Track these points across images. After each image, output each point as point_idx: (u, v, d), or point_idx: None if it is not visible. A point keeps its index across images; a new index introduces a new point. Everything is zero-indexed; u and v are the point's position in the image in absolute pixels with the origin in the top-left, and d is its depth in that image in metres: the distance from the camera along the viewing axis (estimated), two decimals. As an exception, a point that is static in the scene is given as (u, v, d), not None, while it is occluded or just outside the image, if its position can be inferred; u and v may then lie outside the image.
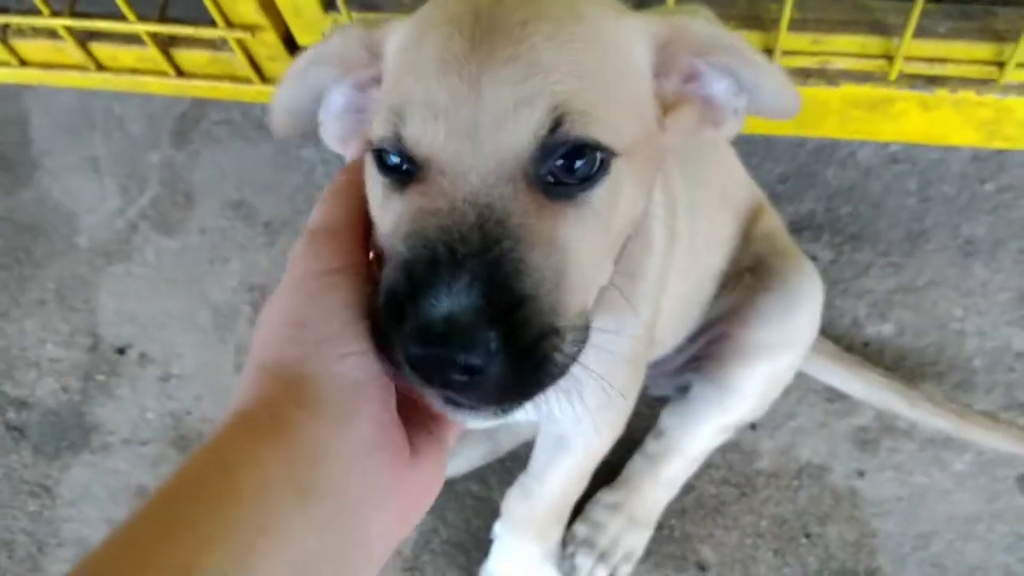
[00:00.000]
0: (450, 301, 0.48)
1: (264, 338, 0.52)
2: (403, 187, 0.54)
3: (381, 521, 0.50)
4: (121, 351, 1.29)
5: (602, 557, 1.08)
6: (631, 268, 0.68)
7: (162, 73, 1.14)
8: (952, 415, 1.04)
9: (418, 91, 0.52)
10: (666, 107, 0.60)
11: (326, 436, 0.48)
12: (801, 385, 1.12)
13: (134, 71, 1.15)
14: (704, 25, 0.58)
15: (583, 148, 0.52)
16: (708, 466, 1.11)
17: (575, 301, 0.54)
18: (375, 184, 0.56)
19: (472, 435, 1.13)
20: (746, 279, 1.00)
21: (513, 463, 1.15)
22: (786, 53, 0.96)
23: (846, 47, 0.96)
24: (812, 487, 1.11)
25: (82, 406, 1.26)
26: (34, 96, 1.47)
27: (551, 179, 0.52)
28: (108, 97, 1.44)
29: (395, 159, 0.54)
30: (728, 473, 1.13)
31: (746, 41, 0.59)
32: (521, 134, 0.51)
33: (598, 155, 0.53)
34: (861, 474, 1.11)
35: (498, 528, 1.06)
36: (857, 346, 1.16)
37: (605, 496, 1.10)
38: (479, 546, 1.11)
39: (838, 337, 1.15)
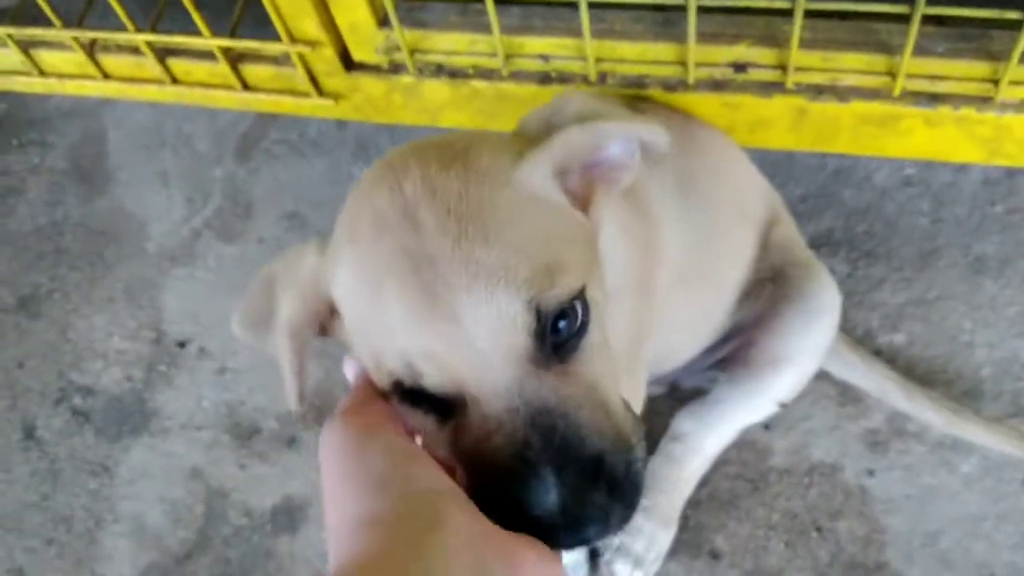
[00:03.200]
0: (555, 495, 0.55)
1: (335, 500, 0.54)
2: (444, 416, 0.59)
3: None
4: (182, 345, 1.39)
5: (638, 562, 1.13)
6: None
7: (230, 87, 1.25)
8: (946, 410, 1.10)
9: (415, 346, 0.57)
10: (581, 202, 0.66)
11: (420, 542, 0.49)
12: (814, 388, 1.18)
13: (205, 85, 1.27)
14: (581, 132, 0.63)
15: (564, 311, 0.59)
16: (722, 463, 1.18)
17: (621, 411, 0.62)
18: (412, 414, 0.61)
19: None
20: (768, 289, 1.07)
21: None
22: (799, 69, 1.04)
23: (854, 64, 1.04)
24: (823, 484, 1.17)
25: (144, 393, 1.37)
26: (112, 115, 1.60)
27: (556, 344, 0.58)
28: (179, 117, 1.57)
29: (436, 400, 0.59)
30: (742, 469, 1.19)
31: (617, 107, 0.65)
32: (516, 339, 0.56)
33: (576, 303, 0.59)
34: (871, 473, 1.16)
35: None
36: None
37: None
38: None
39: (849, 340, 1.21)
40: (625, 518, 0.59)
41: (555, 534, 0.57)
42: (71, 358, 1.42)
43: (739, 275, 1.07)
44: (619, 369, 0.66)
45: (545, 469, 0.55)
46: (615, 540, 1.13)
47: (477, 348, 0.56)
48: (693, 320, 1.04)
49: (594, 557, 1.15)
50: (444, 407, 0.59)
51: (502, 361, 0.56)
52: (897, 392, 1.13)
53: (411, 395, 0.59)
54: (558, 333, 0.58)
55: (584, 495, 0.56)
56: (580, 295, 0.60)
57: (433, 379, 0.57)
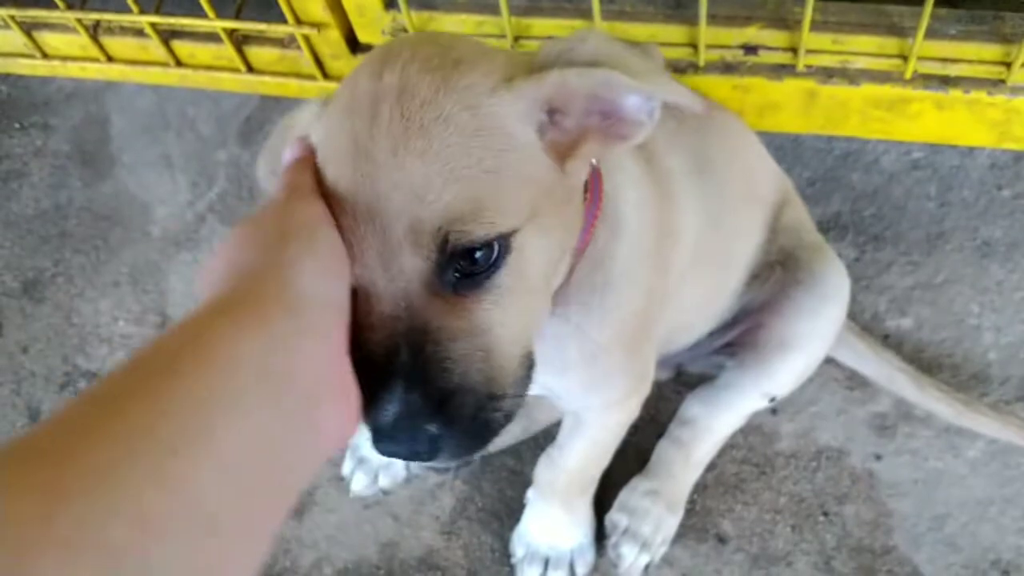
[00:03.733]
0: (394, 407, 0.58)
1: (248, 237, 0.56)
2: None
3: (328, 418, 0.54)
4: (186, 329, 1.39)
5: (645, 545, 1.13)
6: (598, 255, 0.75)
7: (235, 70, 1.25)
8: (957, 403, 1.10)
9: (340, 227, 0.59)
10: (566, 148, 0.63)
11: (299, 338, 0.52)
12: (822, 373, 1.17)
13: (209, 68, 1.26)
14: (580, 77, 0.59)
15: (475, 249, 0.59)
16: (729, 447, 1.18)
17: (509, 362, 0.63)
18: None
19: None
20: (778, 272, 1.07)
21: (546, 440, 1.21)
22: (810, 52, 1.04)
23: (865, 47, 1.03)
24: (830, 468, 1.17)
25: (149, 378, 1.36)
26: (115, 98, 1.59)
27: (456, 276, 0.59)
28: (182, 101, 1.56)
29: None
30: (748, 453, 1.19)
31: (640, 57, 0.60)
32: (414, 259, 0.58)
33: (494, 244, 0.59)
34: (878, 457, 1.16)
35: (530, 494, 1.13)
36: (877, 339, 1.21)
37: (641, 483, 1.15)
38: (511, 514, 1.18)
39: (859, 330, 1.21)
40: (453, 456, 0.62)
41: (379, 435, 0.60)
42: (76, 342, 1.41)
43: (748, 255, 1.06)
44: (532, 326, 0.66)
45: (397, 381, 0.58)
46: (623, 523, 1.13)
47: (378, 253, 0.58)
48: (701, 298, 1.04)
49: (600, 540, 1.15)
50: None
51: (397, 274, 0.59)
52: (906, 382, 1.13)
53: None
54: (475, 263, 0.59)
55: (417, 419, 0.59)
56: (504, 238, 0.60)
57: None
